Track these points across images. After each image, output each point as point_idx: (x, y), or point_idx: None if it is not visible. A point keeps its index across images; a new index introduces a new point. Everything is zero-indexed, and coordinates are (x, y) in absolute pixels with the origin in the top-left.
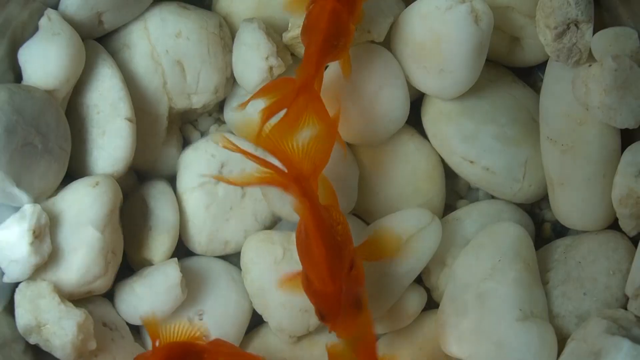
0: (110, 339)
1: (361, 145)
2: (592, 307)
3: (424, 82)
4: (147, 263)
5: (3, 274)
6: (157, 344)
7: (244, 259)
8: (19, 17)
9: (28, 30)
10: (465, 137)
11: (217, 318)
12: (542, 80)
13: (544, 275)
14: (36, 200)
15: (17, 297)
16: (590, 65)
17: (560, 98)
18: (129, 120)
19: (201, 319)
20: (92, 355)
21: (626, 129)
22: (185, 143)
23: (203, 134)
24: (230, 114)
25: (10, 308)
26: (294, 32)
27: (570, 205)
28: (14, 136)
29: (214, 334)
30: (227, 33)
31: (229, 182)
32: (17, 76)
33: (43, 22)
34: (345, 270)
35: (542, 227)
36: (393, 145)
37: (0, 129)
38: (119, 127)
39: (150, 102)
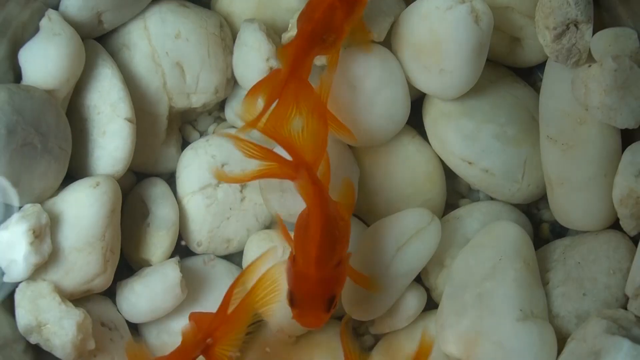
0: (109, 339)
1: (361, 146)
2: (592, 307)
3: (425, 82)
4: (145, 262)
5: (3, 273)
6: None
7: (246, 258)
8: (19, 17)
9: (28, 31)
10: (465, 137)
11: None
12: (541, 80)
13: (543, 276)
14: (36, 200)
15: (18, 296)
16: (589, 66)
17: (560, 98)
18: (129, 120)
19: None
20: (91, 355)
21: (626, 129)
22: (185, 143)
23: (202, 134)
24: (235, 107)
25: (10, 308)
26: (292, 32)
27: (570, 205)
28: (13, 136)
29: None
30: (227, 34)
31: (232, 181)
32: (17, 76)
33: (43, 22)
34: (332, 264)
35: (540, 227)
36: (393, 146)
37: (0, 129)
38: (119, 127)
39: (150, 102)
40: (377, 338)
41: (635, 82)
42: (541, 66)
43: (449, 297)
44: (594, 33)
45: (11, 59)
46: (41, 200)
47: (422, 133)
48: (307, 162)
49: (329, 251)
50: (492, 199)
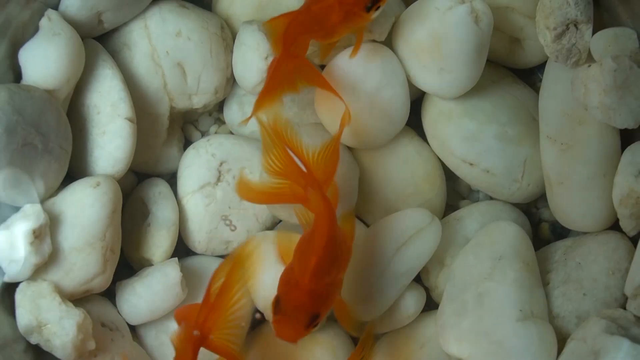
0: (109, 339)
1: (361, 147)
2: (591, 307)
3: (425, 81)
4: (146, 262)
5: (4, 273)
6: None
7: None
8: (19, 17)
9: (28, 31)
10: (465, 137)
11: None
12: (541, 80)
13: (544, 277)
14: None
15: (18, 297)
16: (589, 66)
17: (560, 98)
18: (130, 120)
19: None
20: (91, 355)
21: (625, 129)
22: (187, 143)
23: (204, 134)
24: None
25: (11, 308)
26: None
27: (569, 204)
28: (14, 136)
29: None
30: (229, 35)
31: (249, 201)
32: (17, 76)
33: (43, 22)
34: (326, 281)
35: (539, 226)
36: (393, 146)
37: (0, 129)
38: (120, 127)
39: (151, 102)
40: (377, 337)
41: (634, 82)
42: (541, 67)
43: (449, 297)
44: (593, 33)
45: (11, 58)
46: (41, 199)
47: (421, 133)
48: (318, 179)
49: (327, 267)
50: (491, 198)
